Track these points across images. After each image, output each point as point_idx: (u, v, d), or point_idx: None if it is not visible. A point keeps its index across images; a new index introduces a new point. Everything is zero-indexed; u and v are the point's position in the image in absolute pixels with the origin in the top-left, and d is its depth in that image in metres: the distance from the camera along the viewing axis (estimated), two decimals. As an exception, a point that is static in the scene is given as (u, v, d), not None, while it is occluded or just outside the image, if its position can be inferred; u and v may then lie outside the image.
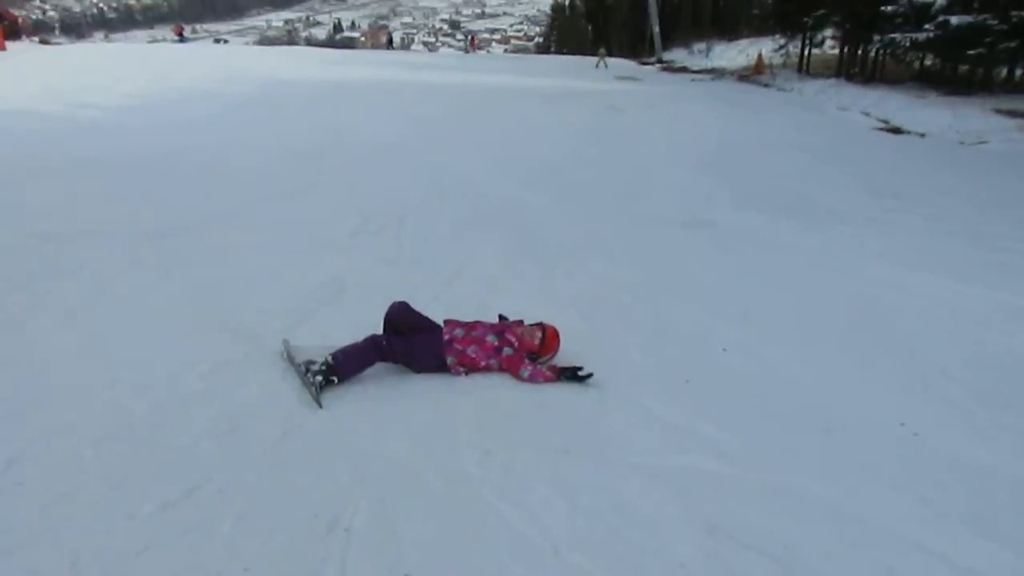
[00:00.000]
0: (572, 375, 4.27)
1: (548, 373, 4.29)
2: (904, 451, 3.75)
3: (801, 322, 5.38)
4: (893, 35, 20.22)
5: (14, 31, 27.74)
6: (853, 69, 24.46)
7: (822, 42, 26.48)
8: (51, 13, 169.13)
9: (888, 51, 22.00)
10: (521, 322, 4.59)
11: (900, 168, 12.40)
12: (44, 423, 3.62)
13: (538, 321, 4.62)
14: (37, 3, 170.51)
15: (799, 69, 26.40)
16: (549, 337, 4.51)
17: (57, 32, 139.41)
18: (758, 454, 3.65)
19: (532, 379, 4.26)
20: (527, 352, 4.41)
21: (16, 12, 43.46)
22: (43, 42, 36.15)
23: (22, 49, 24.69)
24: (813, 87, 23.16)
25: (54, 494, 3.13)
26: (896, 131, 16.87)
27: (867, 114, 18.77)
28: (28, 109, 13.27)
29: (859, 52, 24.52)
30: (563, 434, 3.75)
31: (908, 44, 19.99)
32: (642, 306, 5.59)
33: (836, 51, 26.18)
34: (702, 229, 7.99)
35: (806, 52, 26.51)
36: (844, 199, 9.75)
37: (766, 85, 25.03)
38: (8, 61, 20.81)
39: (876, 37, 21.60)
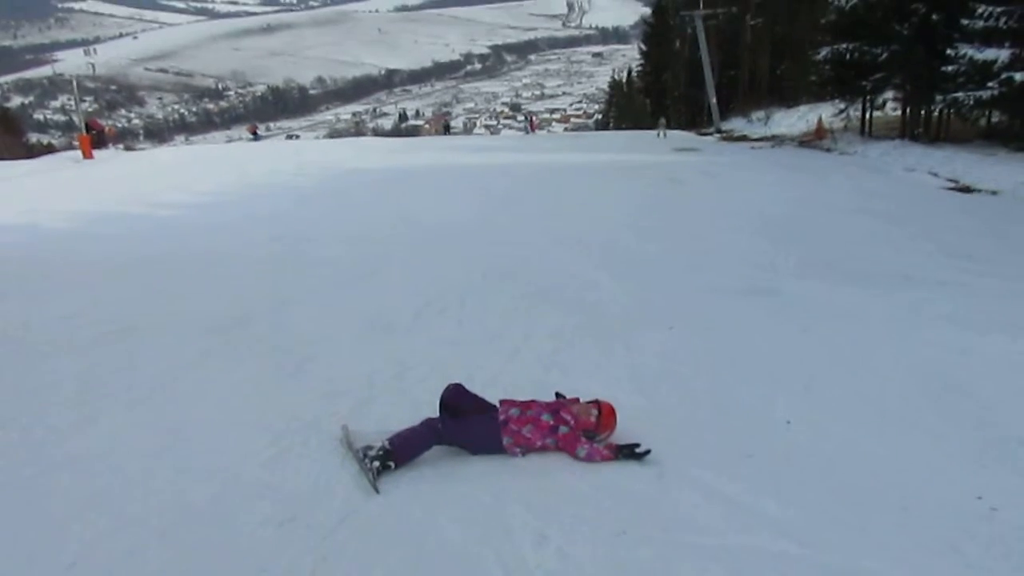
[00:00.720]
0: (629, 453, 4.21)
1: (605, 451, 4.23)
2: (982, 528, 3.55)
3: (868, 393, 5.20)
4: (956, 94, 19.90)
5: (101, 140, 29.66)
6: (917, 129, 24.07)
7: (883, 104, 26.20)
8: (136, 121, 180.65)
9: (952, 110, 21.63)
10: (577, 400, 4.57)
11: (972, 228, 12.05)
12: (109, 518, 3.73)
13: (594, 398, 4.59)
14: (123, 112, 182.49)
15: (861, 132, 26.12)
16: (605, 414, 4.47)
17: (141, 138, 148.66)
18: (825, 533, 3.50)
19: (589, 458, 4.21)
20: (583, 430, 4.37)
21: (103, 122, 46.60)
22: (127, 148, 38.60)
23: (108, 156, 26.37)
24: (877, 149, 22.83)
25: (118, 588, 3.21)
26: (966, 190, 16.44)
27: (935, 174, 18.35)
28: (112, 212, 14.07)
29: (922, 112, 24.17)
30: (621, 515, 3.67)
31: (972, 102, 19.62)
32: (702, 379, 5.49)
33: (898, 112, 25.85)
34: (765, 298, 7.86)
35: (867, 115, 26.26)
36: (913, 262, 9.49)
37: (828, 149, 24.79)
38: (95, 168, 22.23)
39: (939, 97, 21.29)
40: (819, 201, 14.80)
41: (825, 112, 28.45)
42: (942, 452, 4.30)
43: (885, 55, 22.77)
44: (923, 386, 5.30)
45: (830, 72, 26.05)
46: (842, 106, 26.64)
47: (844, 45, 24.02)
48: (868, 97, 25.56)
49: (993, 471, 4.07)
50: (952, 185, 16.99)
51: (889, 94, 25.30)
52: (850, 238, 11.13)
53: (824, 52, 25.28)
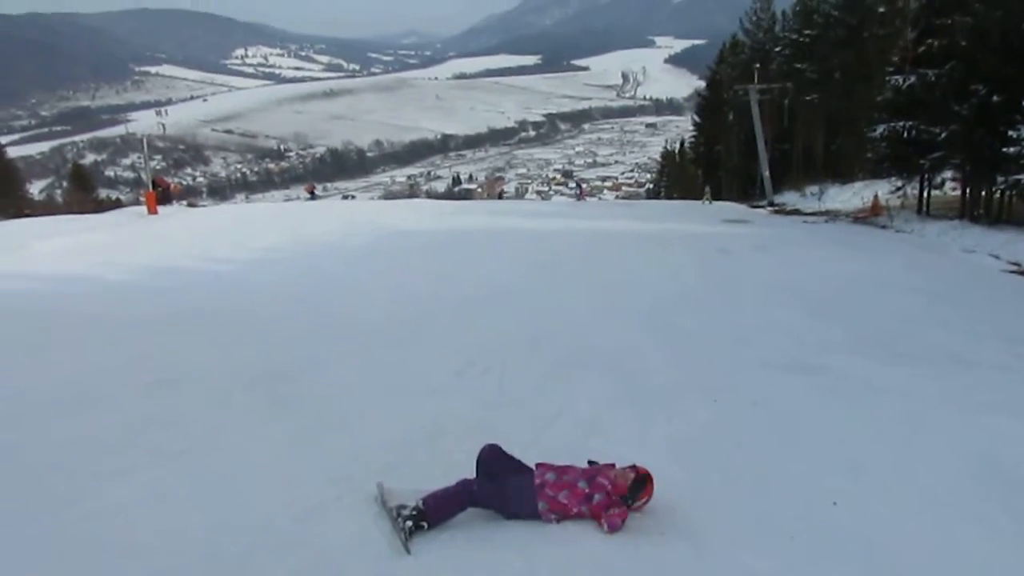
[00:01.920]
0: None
1: (624, 512, 4.19)
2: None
3: (917, 477, 5.01)
4: (1018, 176, 19.54)
5: (166, 196, 30.82)
6: (977, 210, 23.61)
7: (942, 184, 25.80)
8: (200, 179, 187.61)
9: (1014, 192, 21.21)
10: (613, 466, 4.49)
11: (1033, 312, 11.67)
12: (141, 569, 3.78)
13: (631, 463, 4.50)
14: (189, 170, 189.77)
15: (918, 210, 25.73)
16: (642, 478, 4.38)
17: (204, 195, 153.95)
18: (869, 623, 3.35)
19: (611, 526, 4.12)
20: (621, 495, 4.29)
21: (169, 179, 48.46)
22: (191, 205, 39.97)
23: (171, 212, 27.36)
24: (935, 229, 22.42)
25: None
26: (1028, 272, 15.97)
27: (996, 256, 17.89)
28: (169, 266, 14.53)
29: (983, 193, 23.75)
30: (654, 591, 3.57)
31: (1035, 184, 19.24)
32: (745, 454, 5.37)
33: (957, 192, 25.44)
34: (812, 375, 7.69)
35: (925, 194, 25.90)
36: (970, 345, 9.20)
37: (883, 227, 24.43)
38: (158, 224, 23.03)
39: (1000, 178, 20.93)
40: (872, 278, 14.52)
41: (881, 189, 28.17)
42: (993, 544, 4.11)
43: (944, 134, 22.55)
44: (975, 474, 5.09)
45: (886, 149, 25.84)
46: (899, 184, 26.33)
47: (901, 123, 23.88)
48: (926, 176, 25.24)
49: (1050, 567, 3.87)
50: (1013, 268, 16.53)
51: (948, 173, 24.96)
52: (903, 317, 10.86)
53: (881, 129, 25.16)
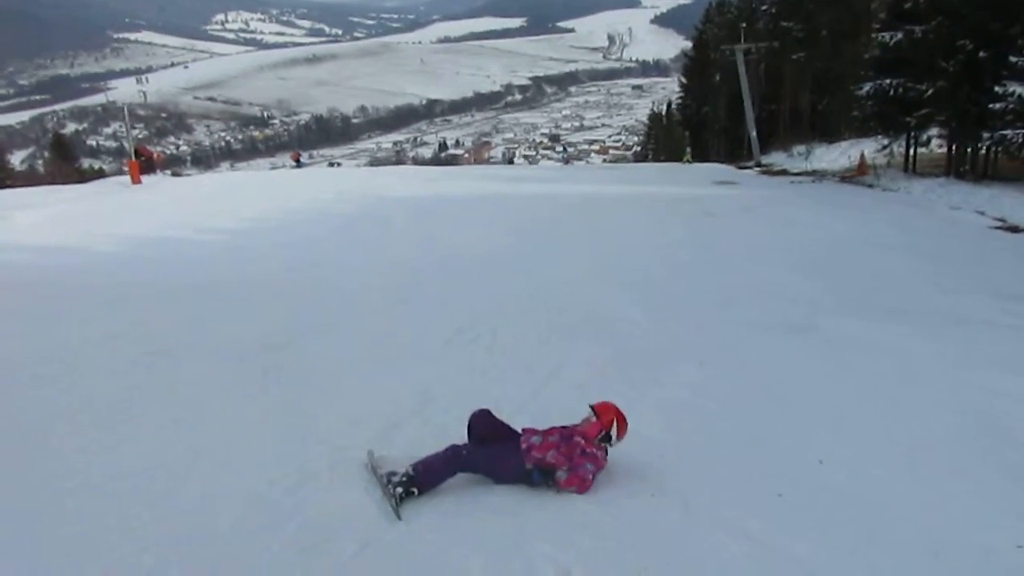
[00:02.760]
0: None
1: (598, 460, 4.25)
2: (1022, 577, 3.42)
3: (907, 435, 5.06)
4: (1004, 132, 19.53)
5: (150, 166, 30.35)
6: (963, 167, 23.63)
7: (928, 141, 25.75)
8: (184, 148, 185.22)
9: (1000, 148, 21.22)
10: (577, 424, 4.53)
11: (1020, 268, 11.75)
12: (133, 540, 3.78)
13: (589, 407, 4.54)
14: (172, 139, 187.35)
15: (905, 169, 25.70)
16: (602, 411, 4.45)
17: (188, 164, 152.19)
18: (856, 578, 3.40)
19: (582, 481, 4.16)
20: (594, 439, 4.33)
21: (152, 149, 47.84)
22: (175, 174, 39.51)
23: (155, 182, 26.96)
24: (921, 186, 22.44)
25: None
26: (1014, 229, 16.04)
27: (981, 213, 17.95)
28: (156, 237, 14.36)
29: (968, 150, 23.75)
30: (644, 551, 3.61)
31: (1021, 140, 19.22)
32: (732, 415, 5.41)
33: (943, 149, 25.43)
34: (801, 334, 7.74)
35: (911, 152, 25.87)
36: (959, 302, 9.26)
37: (870, 186, 24.41)
38: (142, 193, 22.74)
39: (985, 134, 20.91)
40: (860, 237, 14.57)
41: (868, 148, 28.08)
42: (981, 499, 4.17)
43: (930, 91, 22.47)
44: (965, 430, 5.15)
45: (873, 107, 25.71)
46: (885, 142, 26.26)
47: (887, 80, 23.76)
48: (912, 133, 25.19)
49: (1034, 520, 3.93)
50: (999, 224, 16.61)
51: (934, 131, 24.91)
52: (891, 275, 10.92)
53: (867, 87, 25.01)
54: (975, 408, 5.59)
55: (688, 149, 37.39)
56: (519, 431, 4.45)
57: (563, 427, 4.52)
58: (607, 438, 4.37)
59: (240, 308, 8.83)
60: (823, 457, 4.64)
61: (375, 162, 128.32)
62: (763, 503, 4.07)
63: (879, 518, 3.94)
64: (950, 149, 24.57)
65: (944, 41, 21.74)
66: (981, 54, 20.57)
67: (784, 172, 30.72)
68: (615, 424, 4.41)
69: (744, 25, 38.83)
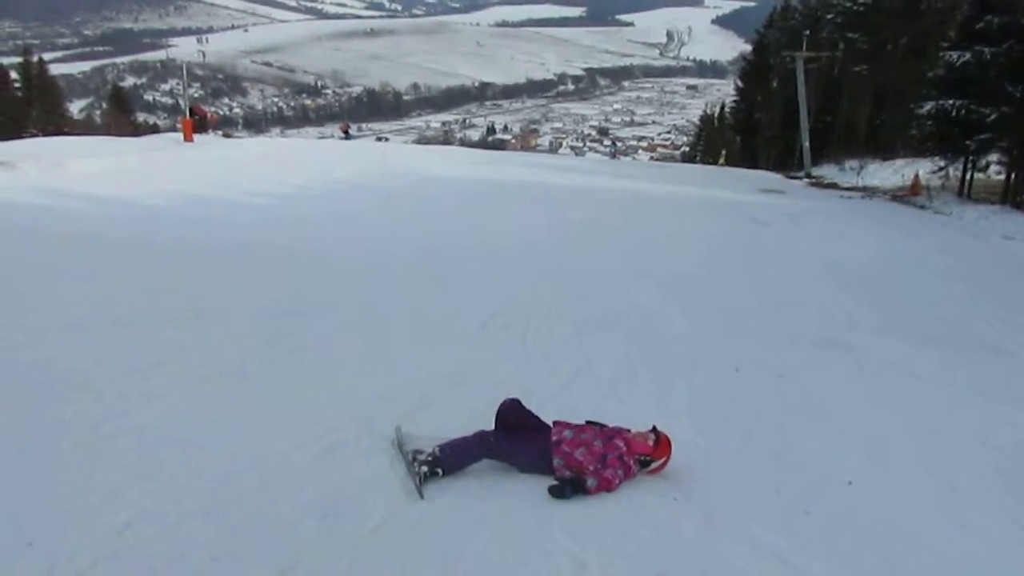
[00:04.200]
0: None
1: (630, 472, 4.24)
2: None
3: (939, 463, 4.96)
4: (1067, 163, 18.98)
5: (203, 125, 30.81)
6: (1021, 197, 23.03)
7: (987, 167, 25.14)
8: (236, 110, 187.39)
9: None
10: (629, 430, 4.48)
11: (1070, 304, 11.40)
12: (163, 490, 3.85)
13: (651, 427, 4.49)
14: (226, 100, 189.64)
15: (959, 193, 25.11)
16: (663, 443, 4.38)
17: (240, 127, 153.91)
18: (877, 604, 3.34)
19: (609, 482, 4.14)
20: (638, 455, 4.30)
21: (206, 108, 48.49)
22: (226, 135, 40.00)
23: (207, 141, 27.35)
24: (974, 213, 21.91)
25: (161, 559, 3.31)
26: (1067, 264, 15.60)
27: (1035, 244, 17.49)
28: (203, 195, 14.59)
29: (1028, 179, 23.13)
30: (663, 555, 3.59)
31: (1084, 172, 18.67)
32: (765, 427, 5.34)
33: (1002, 176, 24.78)
34: (839, 351, 7.61)
35: (968, 176, 25.25)
36: (1003, 333, 9.04)
37: (922, 207, 23.90)
38: (193, 152, 23.05)
39: (1047, 164, 20.35)
40: (907, 259, 14.28)
41: (923, 168, 27.48)
42: (1012, 537, 4.07)
43: (994, 116, 21.89)
44: (999, 466, 5.02)
45: (932, 128, 25.14)
46: (942, 164, 25.67)
47: (951, 101, 23.19)
48: (971, 157, 24.58)
49: (1067, 563, 3.83)
50: (1052, 257, 16.16)
51: (994, 157, 24.29)
52: (936, 300, 10.68)
53: (928, 107, 24.46)
54: (1011, 444, 5.45)
55: (724, 152, 37.20)
56: (550, 424, 4.43)
57: (604, 426, 4.48)
58: (646, 463, 4.33)
59: (274, 273, 8.93)
60: (853, 478, 4.56)
61: (423, 140, 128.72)
62: (788, 519, 4.02)
63: (904, 546, 3.86)
64: (1008, 177, 23.93)
65: (1013, 65, 21.15)
66: (1051, 82, 19.99)
67: (834, 186, 30.19)
68: (661, 461, 4.37)
69: (807, 33, 38.06)
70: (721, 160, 36.84)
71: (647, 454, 4.34)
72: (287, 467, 4.17)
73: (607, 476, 4.14)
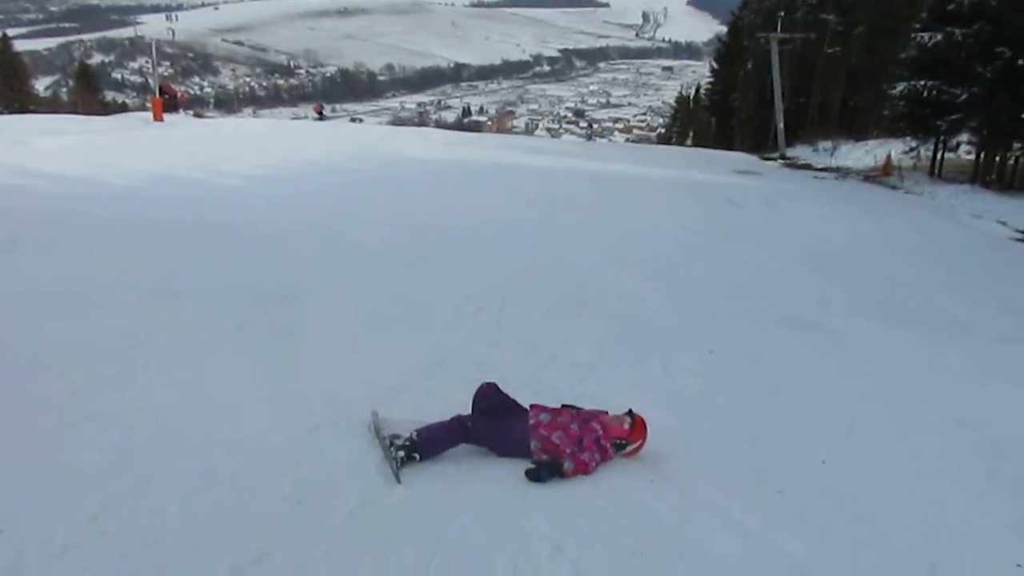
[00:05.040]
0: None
1: (606, 454, 4.25)
2: (1018, 597, 3.39)
3: (910, 442, 5.02)
4: (1035, 144, 19.24)
5: (173, 104, 30.29)
6: (990, 176, 23.33)
7: (957, 147, 25.41)
8: (208, 89, 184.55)
9: (1030, 159, 20.92)
10: (606, 412, 4.49)
11: (1038, 283, 11.62)
12: (135, 476, 3.78)
13: (627, 410, 4.50)
14: (196, 79, 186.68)
15: (931, 173, 25.40)
16: (638, 426, 4.39)
17: (211, 106, 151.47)
18: (847, 581, 3.38)
19: (586, 465, 4.15)
20: (614, 438, 4.31)
21: (177, 87, 47.64)
22: (197, 115, 39.35)
23: (177, 121, 26.92)
24: (945, 192, 22.18)
25: (134, 545, 3.26)
26: (1035, 243, 15.86)
27: (1004, 223, 17.74)
28: (172, 176, 14.34)
29: (997, 159, 23.43)
30: (639, 535, 3.60)
31: (1052, 153, 18.95)
32: (738, 407, 5.38)
33: (972, 156, 25.09)
34: (811, 332, 7.68)
35: (939, 156, 25.53)
36: (972, 312, 9.18)
37: (894, 187, 24.15)
38: (163, 131, 22.70)
39: (1016, 144, 20.61)
40: (878, 239, 14.43)
41: (895, 149, 27.74)
42: (982, 514, 4.13)
43: (964, 96, 22.11)
44: (969, 443, 5.10)
45: (904, 108, 25.35)
46: (913, 144, 25.92)
47: (922, 82, 23.38)
48: (942, 138, 24.84)
49: (1035, 540, 3.90)
50: (1021, 236, 16.42)
51: (964, 137, 24.56)
52: (906, 279, 10.82)
53: (900, 87, 24.64)
54: (981, 420, 5.54)
55: (691, 132, 37.43)
56: (526, 407, 4.42)
57: (580, 409, 4.48)
58: (622, 447, 4.34)
59: (251, 256, 8.81)
60: (826, 458, 4.61)
61: (397, 121, 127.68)
62: (762, 499, 4.05)
63: (877, 524, 3.91)
64: (978, 157, 24.26)
65: (983, 46, 21.35)
66: (1020, 62, 20.21)
67: (808, 166, 30.41)
68: (637, 444, 4.37)
69: (782, 14, 38.10)
70: (689, 140, 36.94)
71: (623, 438, 4.35)
72: (262, 452, 4.12)
73: (583, 459, 4.14)
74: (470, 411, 4.40)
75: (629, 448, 4.36)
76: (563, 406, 4.50)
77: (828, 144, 33.42)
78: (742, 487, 4.16)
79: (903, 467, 4.62)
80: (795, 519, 3.86)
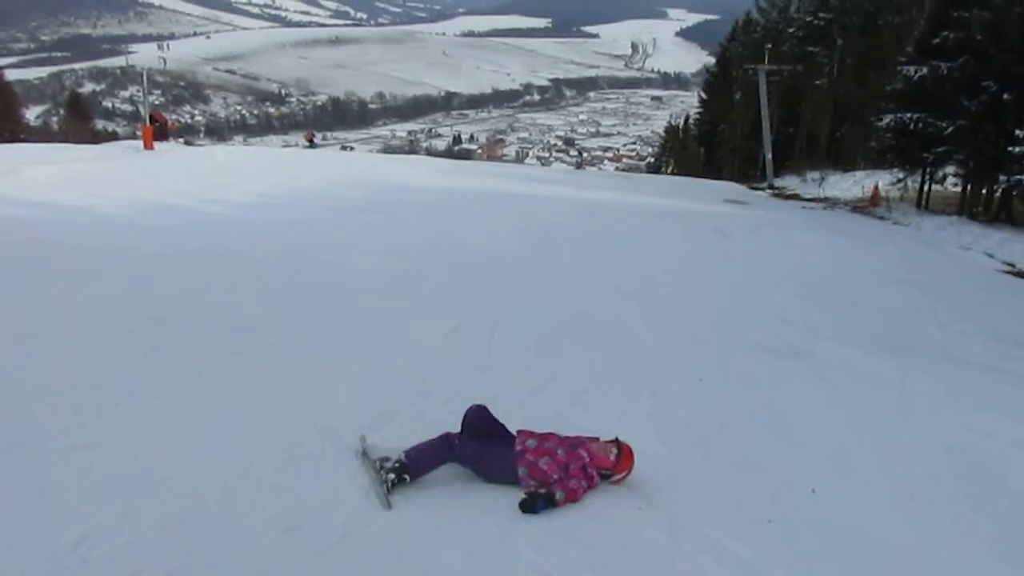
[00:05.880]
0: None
1: (593, 482, 4.24)
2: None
3: (898, 471, 5.03)
4: (1021, 176, 19.47)
5: (163, 132, 30.32)
6: (977, 208, 23.59)
7: (943, 179, 25.71)
8: (199, 118, 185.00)
9: (1016, 192, 21.15)
10: (597, 439, 4.48)
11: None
12: (118, 504, 3.74)
13: (614, 437, 4.48)
14: (188, 108, 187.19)
15: (918, 204, 25.65)
16: (625, 454, 4.37)
17: (202, 135, 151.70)
18: (839, 611, 3.36)
19: (574, 492, 4.13)
20: (599, 468, 4.29)
21: (167, 115, 47.75)
22: (187, 143, 39.39)
23: (168, 149, 26.93)
24: (932, 223, 22.39)
25: (117, 574, 3.19)
26: (1022, 275, 16.00)
27: (991, 255, 17.91)
28: (162, 204, 14.31)
29: (984, 191, 23.71)
30: (628, 565, 3.58)
31: (1038, 185, 19.18)
32: (728, 436, 5.37)
33: (958, 188, 25.37)
34: (800, 360, 7.70)
35: (926, 187, 25.81)
36: (960, 343, 9.22)
37: (881, 218, 24.37)
38: (154, 160, 22.72)
39: (1002, 177, 20.86)
40: (866, 268, 14.53)
41: (882, 180, 28.05)
42: (970, 541, 4.13)
43: (951, 129, 22.42)
44: (958, 472, 5.11)
45: (891, 140, 25.67)
46: (900, 175, 26.21)
47: (908, 114, 23.71)
48: (928, 169, 25.14)
49: (1021, 568, 3.89)
50: (1008, 269, 16.56)
51: (951, 169, 24.87)
52: (894, 309, 10.88)
53: (887, 119, 24.97)
54: (969, 450, 5.56)
55: (672, 161, 38.50)
56: (514, 433, 4.41)
57: (566, 436, 4.46)
58: (607, 476, 4.32)
59: (239, 283, 8.78)
60: (816, 486, 4.60)
61: (388, 149, 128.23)
62: (752, 528, 4.03)
63: (867, 554, 3.90)
64: (965, 189, 24.53)
65: (969, 80, 21.69)
66: (1005, 96, 20.53)
67: (796, 196, 30.67)
68: (622, 475, 4.36)
69: (769, 46, 38.66)
70: (670, 169, 37.63)
71: (608, 468, 4.33)
72: (248, 479, 4.08)
73: (572, 487, 4.12)
74: (460, 431, 4.39)
75: (615, 478, 4.34)
76: (550, 433, 4.48)
77: (816, 174, 33.77)
78: (732, 516, 4.14)
79: (890, 495, 4.62)
80: (784, 549, 3.85)
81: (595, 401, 5.84)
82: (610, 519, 3.98)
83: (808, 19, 40.21)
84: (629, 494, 4.29)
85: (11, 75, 59.48)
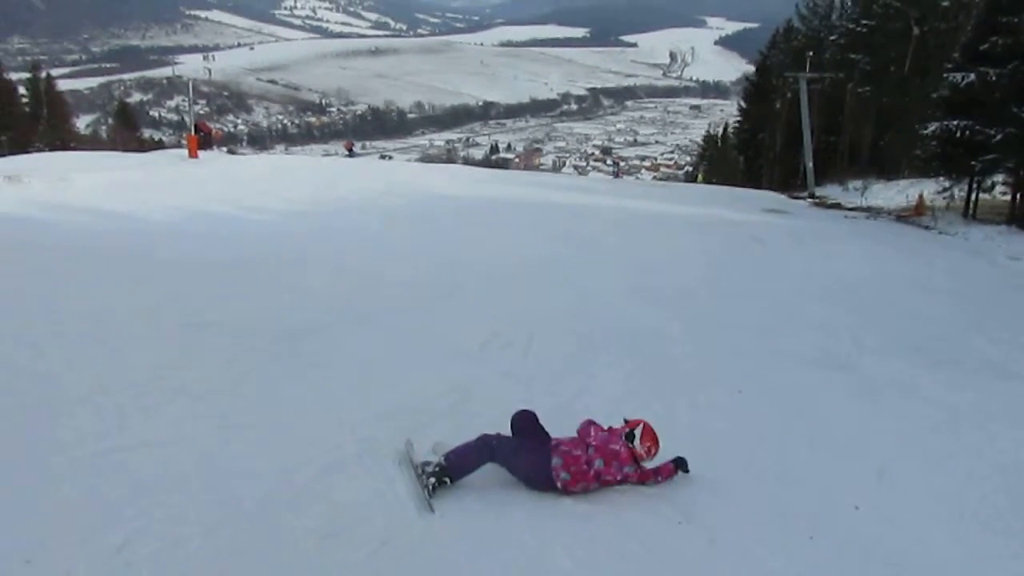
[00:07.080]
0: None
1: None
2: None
3: (946, 489, 4.89)
4: (1072, 184, 18.91)
5: (207, 141, 30.95)
6: (1027, 217, 22.96)
7: (992, 187, 25.07)
8: (241, 127, 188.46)
9: (1067, 200, 20.55)
10: (626, 446, 4.51)
11: (1076, 327, 11.31)
12: (161, 508, 3.79)
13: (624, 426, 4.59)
14: (231, 117, 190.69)
15: (964, 213, 25.03)
16: (644, 433, 4.50)
17: (244, 143, 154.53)
18: (885, 633, 3.27)
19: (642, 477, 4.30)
20: (627, 462, 4.41)
21: (211, 125, 48.69)
22: (230, 152, 40.13)
23: (212, 157, 27.45)
24: (980, 233, 21.82)
25: (157, 578, 3.23)
26: (1074, 285, 15.50)
27: (1041, 265, 17.40)
28: (206, 211, 14.57)
29: (1034, 200, 23.06)
30: (666, 579, 3.52)
31: (1089, 194, 18.61)
32: (768, 449, 5.28)
33: (1007, 197, 24.73)
34: (843, 373, 7.54)
35: (973, 196, 25.19)
36: (1009, 356, 8.95)
37: (927, 228, 23.82)
38: (198, 168, 23.16)
39: (1053, 185, 20.29)
40: (911, 279, 14.20)
41: (927, 189, 27.45)
42: (1021, 564, 3.98)
43: (999, 136, 21.87)
44: (1010, 490, 4.95)
45: (937, 148, 25.12)
46: (947, 184, 25.61)
47: (955, 122, 23.18)
48: (976, 178, 24.54)
49: (1079, 592, 3.75)
50: (1058, 279, 16.07)
51: (999, 177, 24.25)
52: (941, 321, 10.60)
53: (933, 127, 24.44)
54: (1018, 467, 5.38)
55: (703, 168, 38.28)
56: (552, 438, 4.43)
57: (610, 428, 4.56)
58: (632, 437, 4.48)
59: (281, 290, 8.88)
60: (859, 503, 4.49)
61: (426, 158, 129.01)
62: (793, 544, 3.95)
63: (913, 574, 3.79)
64: (1014, 197, 23.89)
65: (1018, 87, 21.16)
66: (1057, 103, 19.98)
67: (838, 206, 30.16)
68: (653, 476, 4.44)
69: (811, 54, 38.18)
70: (701, 177, 37.57)
71: (641, 445, 4.49)
72: (287, 486, 4.11)
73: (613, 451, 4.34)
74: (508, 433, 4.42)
75: (641, 450, 4.45)
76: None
77: (858, 183, 33.17)
78: (772, 532, 4.06)
79: (937, 513, 4.49)
80: (826, 568, 3.77)
81: (632, 413, 5.74)
82: (648, 533, 3.93)
83: (850, 26, 39.60)
84: (668, 507, 4.23)
85: (63, 85, 61.08)
